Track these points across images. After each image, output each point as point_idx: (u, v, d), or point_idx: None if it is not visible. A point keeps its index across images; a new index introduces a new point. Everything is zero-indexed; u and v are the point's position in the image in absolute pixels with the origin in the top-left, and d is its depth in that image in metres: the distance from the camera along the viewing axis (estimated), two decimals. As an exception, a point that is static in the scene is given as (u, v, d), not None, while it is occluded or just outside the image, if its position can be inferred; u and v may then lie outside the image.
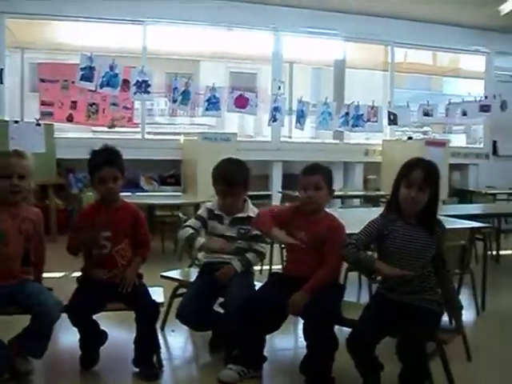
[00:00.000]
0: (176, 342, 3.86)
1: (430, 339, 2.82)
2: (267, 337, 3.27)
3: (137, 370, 3.18)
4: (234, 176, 3.44)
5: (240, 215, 3.50)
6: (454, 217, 5.15)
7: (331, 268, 3.09)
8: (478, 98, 9.60)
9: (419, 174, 2.78)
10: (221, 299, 3.52)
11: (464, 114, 9.38)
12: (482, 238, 5.11)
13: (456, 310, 2.93)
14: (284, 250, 3.60)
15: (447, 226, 4.33)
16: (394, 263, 2.83)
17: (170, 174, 8.65)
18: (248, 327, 3.05)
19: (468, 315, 4.69)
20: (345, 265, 4.15)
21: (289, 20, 9.16)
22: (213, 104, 7.80)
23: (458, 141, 11.66)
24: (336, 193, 8.13)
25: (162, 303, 3.32)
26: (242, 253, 3.47)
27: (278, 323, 3.19)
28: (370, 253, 3.09)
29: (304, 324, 2.99)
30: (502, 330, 4.47)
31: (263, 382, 3.26)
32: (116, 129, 8.61)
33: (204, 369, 3.54)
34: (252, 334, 3.08)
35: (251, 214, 3.43)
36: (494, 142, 10.84)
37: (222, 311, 3.48)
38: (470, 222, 4.76)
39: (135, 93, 7.53)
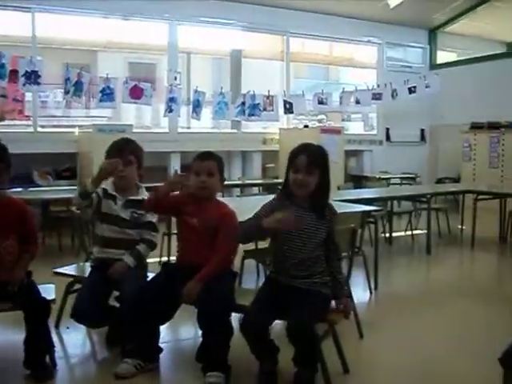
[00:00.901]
0: (72, 339, 3.73)
1: (321, 320, 2.90)
2: (164, 328, 3.26)
3: (28, 371, 3.06)
4: (122, 144, 3.49)
5: (134, 197, 3.46)
6: (348, 201, 5.36)
7: (223, 255, 3.10)
8: (370, 87, 9.96)
9: (304, 159, 2.83)
10: (116, 293, 3.46)
11: (357, 102, 9.69)
12: (373, 221, 5.29)
13: (344, 296, 3.00)
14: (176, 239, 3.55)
15: (340, 211, 4.50)
16: (286, 246, 2.87)
17: (66, 167, 8.37)
18: (141, 318, 3.01)
19: (361, 295, 4.89)
20: (240, 252, 4.22)
21: (185, 10, 9.11)
22: (107, 95, 7.64)
23: (357, 128, 12.04)
24: (235, 181, 8.32)
25: (53, 300, 3.21)
26: (134, 246, 3.42)
27: (171, 313, 3.17)
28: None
29: (198, 313, 2.99)
30: (393, 307, 4.68)
31: (161, 374, 3.24)
32: (6, 122, 8.24)
33: (101, 365, 3.45)
34: (146, 325, 3.05)
35: (145, 198, 3.40)
36: (387, 129, 11.28)
37: (117, 305, 3.42)
38: (362, 205, 4.94)
39: (24, 84, 7.24)
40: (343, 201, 5.35)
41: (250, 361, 3.01)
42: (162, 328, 3.24)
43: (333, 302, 2.99)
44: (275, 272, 3.00)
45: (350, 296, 3.58)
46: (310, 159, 2.84)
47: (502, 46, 12.86)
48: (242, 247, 4.34)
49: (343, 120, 11.91)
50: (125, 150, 3.46)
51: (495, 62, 10.80)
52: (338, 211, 4.40)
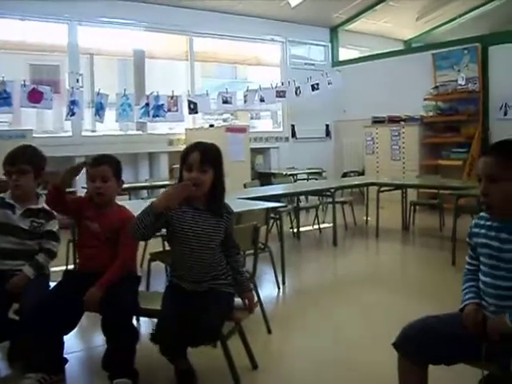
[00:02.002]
0: (-31, 357, 3.58)
1: (227, 319, 2.91)
2: (69, 337, 3.18)
3: None
4: (17, 153, 3.32)
5: (33, 206, 3.34)
6: (255, 199, 5.41)
7: (124, 260, 3.05)
8: (275, 85, 10.10)
9: (196, 156, 2.80)
10: (15, 305, 3.33)
11: (262, 100, 9.80)
12: (277, 218, 5.37)
13: (247, 292, 3.03)
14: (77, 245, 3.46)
15: (244, 209, 4.57)
16: (185, 248, 2.84)
17: (-38, 176, 7.98)
18: (43, 329, 2.89)
19: (269, 291, 4.96)
20: (147, 255, 4.18)
21: (85, 10, 8.87)
22: (4, 99, 7.36)
23: (265, 126, 12.16)
24: (142, 183, 8.21)
25: None
26: (33, 256, 3.31)
27: (75, 321, 3.09)
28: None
29: (102, 319, 2.93)
30: (301, 300, 4.77)
31: (68, 385, 3.17)
32: None
33: (4, 382, 3.28)
34: (48, 336, 2.93)
35: (45, 207, 3.29)
36: (293, 126, 11.47)
37: (17, 318, 3.30)
38: (267, 202, 5.00)
39: None
40: (250, 198, 5.42)
41: (158, 364, 2.99)
42: (67, 338, 3.15)
43: (238, 300, 3.02)
44: (177, 276, 2.95)
45: (257, 292, 3.63)
46: (203, 157, 2.80)
47: (400, 43, 13.39)
48: (149, 250, 4.31)
49: (252, 118, 12.02)
50: (20, 158, 3.33)
51: (394, 58, 11.18)
52: (242, 209, 4.48)
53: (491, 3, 11.51)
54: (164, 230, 3.01)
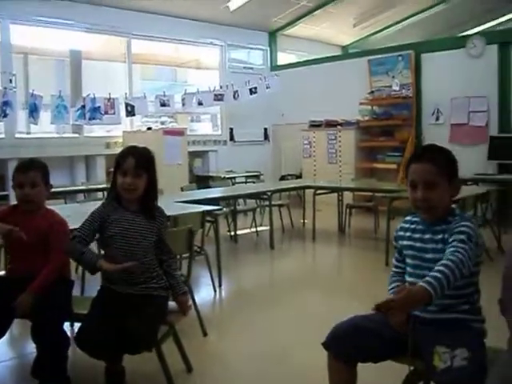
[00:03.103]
0: None
1: (162, 323, 2.91)
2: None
3: None
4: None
5: None
6: (192, 202, 5.41)
7: (55, 265, 2.99)
8: (214, 88, 10.11)
9: (131, 161, 2.82)
10: None
11: (200, 103, 9.78)
12: (213, 221, 5.38)
13: (181, 295, 3.03)
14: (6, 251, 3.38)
15: (180, 212, 4.56)
16: (118, 249, 2.83)
17: None
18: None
19: (205, 294, 4.97)
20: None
21: (19, 8, 8.64)
22: None
23: (205, 129, 12.13)
24: (79, 187, 8.08)
25: None
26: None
27: (4, 329, 3.01)
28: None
29: (32, 325, 2.87)
30: (238, 303, 4.81)
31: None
32: None
33: None
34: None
35: None
36: (231, 129, 11.51)
37: None
38: (203, 206, 5.01)
39: None
40: (187, 202, 5.41)
41: (93, 369, 2.95)
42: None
43: (172, 303, 3.01)
44: (108, 280, 2.91)
45: (192, 295, 3.63)
46: (137, 162, 2.82)
47: (338, 48, 13.63)
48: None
49: (192, 121, 11.98)
50: None
51: (331, 63, 11.35)
52: (179, 213, 4.48)
53: (424, 12, 11.87)
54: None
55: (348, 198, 8.42)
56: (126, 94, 9.26)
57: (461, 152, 8.90)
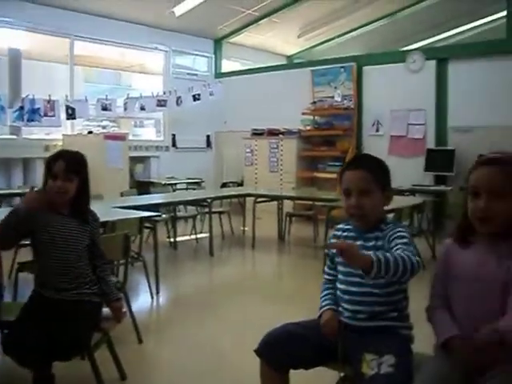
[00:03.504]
0: None
1: (95, 329, 2.86)
2: None
3: None
4: None
5: None
6: (131, 208, 5.35)
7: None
8: (159, 93, 10.05)
9: (61, 165, 2.78)
10: None
11: (142, 108, 9.71)
12: (151, 227, 5.34)
13: (115, 301, 2.98)
14: None
15: (119, 217, 4.51)
16: (50, 253, 2.77)
17: None
18: None
19: (142, 301, 4.93)
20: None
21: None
22: None
23: (149, 134, 12.01)
24: (15, 190, 7.86)
25: None
26: None
27: None
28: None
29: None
30: (175, 310, 4.78)
31: None
32: None
33: None
34: None
35: None
36: (173, 135, 11.44)
37: None
38: (141, 212, 4.96)
39: None
40: (126, 207, 5.35)
41: (20, 377, 2.88)
42: None
43: (107, 310, 2.97)
44: (40, 285, 2.86)
45: (127, 301, 3.59)
46: (68, 166, 2.78)
47: (283, 58, 13.76)
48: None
49: (136, 126, 11.86)
50: None
51: (275, 72, 11.44)
52: (116, 218, 4.43)
53: (367, 26, 12.12)
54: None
55: (289, 206, 8.50)
56: (66, 96, 9.09)
57: (399, 163, 9.29)
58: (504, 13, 8.86)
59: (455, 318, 2.04)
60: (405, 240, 2.13)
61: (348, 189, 2.27)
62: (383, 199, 2.30)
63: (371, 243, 2.24)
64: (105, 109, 9.15)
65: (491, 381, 1.83)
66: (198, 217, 8.13)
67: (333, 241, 2.41)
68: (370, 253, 1.98)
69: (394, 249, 2.10)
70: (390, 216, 5.80)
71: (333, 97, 10.21)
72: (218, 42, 12.54)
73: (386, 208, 2.36)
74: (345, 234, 2.37)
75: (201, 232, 7.97)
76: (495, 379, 1.82)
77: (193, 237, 7.81)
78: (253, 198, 7.66)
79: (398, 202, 6.40)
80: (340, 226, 2.44)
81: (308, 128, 10.46)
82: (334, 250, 2.34)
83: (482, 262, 1.98)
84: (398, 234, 2.17)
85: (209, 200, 7.09)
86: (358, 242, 2.26)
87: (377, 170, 2.29)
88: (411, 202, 6.42)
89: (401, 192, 8.06)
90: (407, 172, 8.62)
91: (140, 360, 3.61)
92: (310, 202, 8.18)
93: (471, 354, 1.85)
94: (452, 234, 2.14)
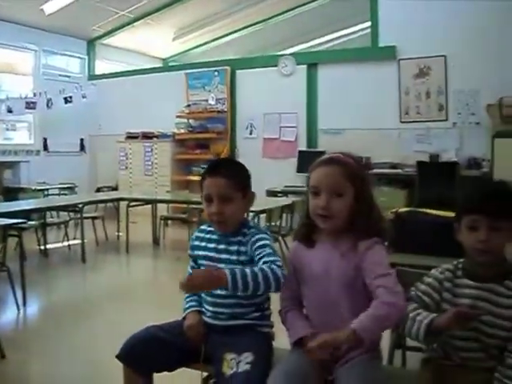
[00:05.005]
0: None
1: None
2: None
3: None
4: None
5: None
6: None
7: None
8: (24, 95, 9.65)
9: None
10: None
11: (10, 110, 9.29)
12: (17, 235, 5.13)
13: None
14: None
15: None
16: None
17: None
18: None
19: (7, 313, 4.72)
20: None
21: None
22: None
23: (22, 138, 11.42)
24: None
25: None
26: None
27: None
28: None
29: None
30: (43, 322, 4.64)
31: None
32: None
33: None
34: None
35: None
36: (45, 139, 11.03)
37: None
38: (6, 219, 4.76)
39: None
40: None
41: None
42: None
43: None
44: None
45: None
46: None
47: (158, 61, 13.67)
48: None
49: (8, 129, 11.28)
50: None
51: (150, 75, 11.33)
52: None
53: (242, 31, 12.35)
54: None
55: (164, 209, 8.47)
56: None
57: (273, 165, 9.56)
58: (369, 23, 9.33)
59: (308, 317, 2.14)
60: (268, 250, 2.16)
61: (209, 195, 2.27)
62: (245, 202, 2.32)
63: (234, 247, 2.26)
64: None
65: (344, 366, 1.94)
66: (72, 223, 7.89)
67: (196, 243, 2.41)
68: (227, 271, 2.00)
69: (258, 258, 2.14)
70: (262, 216, 5.96)
71: (207, 100, 10.31)
72: (91, 43, 12.25)
73: (256, 209, 2.41)
74: (208, 235, 2.37)
75: (74, 238, 7.74)
76: (348, 364, 1.94)
77: (65, 244, 7.57)
78: (126, 203, 7.57)
79: (269, 202, 6.58)
80: (203, 227, 2.44)
81: (182, 131, 10.50)
82: (198, 252, 2.37)
83: (326, 259, 2.08)
84: (262, 242, 2.20)
85: (80, 205, 6.91)
86: (221, 246, 2.29)
87: (236, 175, 2.29)
88: (281, 203, 6.59)
89: (274, 193, 8.28)
90: (280, 173, 8.88)
91: (2, 376, 3.46)
92: (185, 205, 8.19)
93: (324, 351, 1.92)
94: (296, 235, 2.24)
